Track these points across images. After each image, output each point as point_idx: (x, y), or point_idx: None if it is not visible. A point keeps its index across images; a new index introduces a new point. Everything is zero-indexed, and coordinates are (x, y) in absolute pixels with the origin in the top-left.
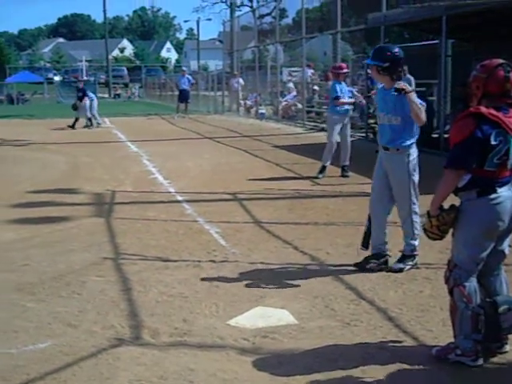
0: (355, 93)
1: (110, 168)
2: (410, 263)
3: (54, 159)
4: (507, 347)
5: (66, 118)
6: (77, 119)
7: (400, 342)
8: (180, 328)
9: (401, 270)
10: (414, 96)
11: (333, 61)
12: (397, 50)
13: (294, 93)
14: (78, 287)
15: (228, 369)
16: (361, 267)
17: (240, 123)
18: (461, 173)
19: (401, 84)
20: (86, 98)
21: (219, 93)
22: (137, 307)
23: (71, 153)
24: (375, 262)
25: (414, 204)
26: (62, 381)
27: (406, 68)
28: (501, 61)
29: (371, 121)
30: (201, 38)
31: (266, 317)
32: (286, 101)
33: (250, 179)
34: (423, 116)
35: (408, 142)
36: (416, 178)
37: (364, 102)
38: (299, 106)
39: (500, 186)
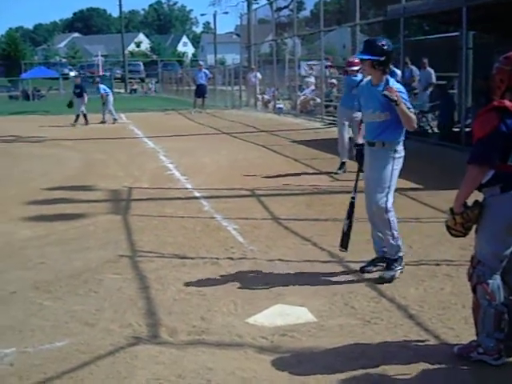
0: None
1: (125, 164)
2: (399, 267)
3: (69, 156)
4: None
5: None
6: (78, 116)
7: (421, 340)
8: (198, 326)
9: (393, 278)
10: (403, 106)
11: (352, 54)
12: (388, 41)
13: (313, 87)
14: (94, 285)
15: (246, 367)
16: (363, 271)
17: (257, 118)
18: (485, 169)
19: (393, 94)
20: (85, 95)
21: (236, 87)
22: (154, 305)
23: (86, 149)
24: (382, 264)
25: (389, 201)
26: (79, 380)
27: (425, 61)
28: None
29: None
30: (218, 32)
31: (285, 315)
32: (304, 95)
33: (268, 175)
34: (414, 123)
35: (395, 137)
36: (396, 177)
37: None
38: (318, 100)
39: None
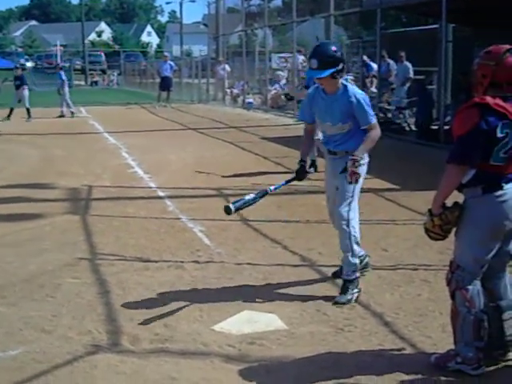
0: (350, 81)
1: (86, 161)
2: (356, 290)
3: (26, 151)
4: (511, 355)
5: (39, 107)
6: (12, 110)
7: (397, 349)
8: (161, 334)
9: (349, 302)
10: (363, 152)
11: None
12: (336, 44)
13: (284, 81)
14: (51, 290)
15: (212, 377)
16: (336, 276)
17: (226, 113)
18: (464, 168)
19: (353, 169)
20: (25, 87)
21: (204, 80)
22: (115, 311)
23: (44, 145)
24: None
25: (351, 211)
26: None
27: (403, 54)
28: (508, 46)
29: None
30: (184, 22)
31: (253, 322)
32: (275, 89)
33: (236, 174)
34: (376, 139)
35: (359, 145)
36: (360, 184)
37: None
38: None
39: (507, 182)
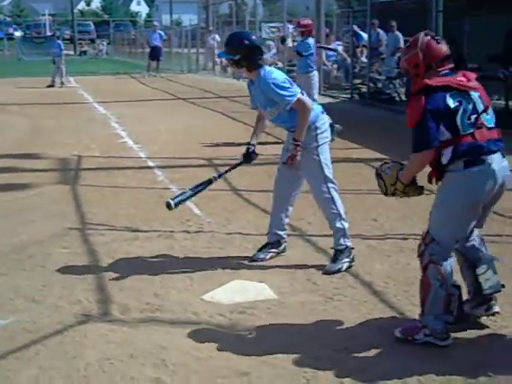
0: (340, 51)
1: (75, 131)
2: (346, 260)
3: (15, 121)
4: (496, 308)
5: (28, 77)
6: None
7: (386, 317)
8: (151, 303)
9: (339, 271)
10: (299, 136)
11: (316, 16)
12: (247, 35)
13: (274, 50)
14: (41, 260)
15: (203, 346)
16: (253, 260)
17: (216, 83)
18: (427, 153)
19: (295, 153)
20: None
21: (193, 50)
22: (105, 281)
23: (33, 115)
24: (274, 251)
25: (329, 182)
26: (26, 360)
27: (394, 24)
28: (423, 32)
29: (357, 81)
30: None
31: (244, 291)
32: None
33: (226, 143)
34: (307, 112)
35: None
36: (326, 155)
37: (349, 60)
38: (279, 64)
39: (488, 154)
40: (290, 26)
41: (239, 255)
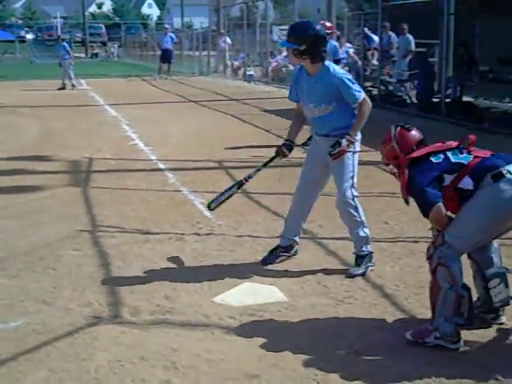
0: (351, 53)
1: (86, 134)
2: (370, 264)
3: (27, 124)
4: (503, 318)
5: (40, 80)
6: None
7: (397, 320)
8: (162, 305)
9: (362, 275)
10: (357, 130)
11: (327, 18)
12: (311, 25)
13: (285, 53)
14: (52, 262)
15: (213, 349)
16: (264, 263)
17: (227, 85)
18: (438, 207)
19: (345, 149)
20: None
21: (204, 53)
22: (116, 283)
23: (45, 117)
24: (286, 255)
25: (354, 187)
26: (36, 362)
27: (405, 27)
28: (392, 126)
29: (368, 84)
30: None
31: (254, 294)
32: (276, 62)
33: (237, 146)
34: (368, 113)
35: (348, 123)
36: (356, 164)
37: (360, 62)
38: (290, 67)
39: (506, 164)
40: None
41: (250, 258)
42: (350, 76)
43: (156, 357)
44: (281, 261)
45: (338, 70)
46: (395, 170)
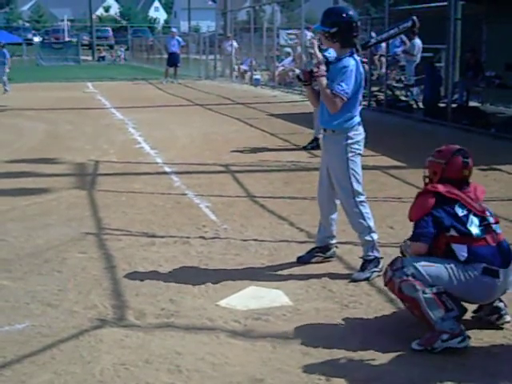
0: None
1: (92, 137)
2: (375, 269)
3: (33, 126)
4: (507, 317)
5: (46, 82)
6: None
7: (402, 326)
8: (167, 309)
9: (366, 280)
10: (323, 80)
11: None
12: (347, 10)
13: (292, 57)
14: (57, 264)
15: (218, 352)
16: (304, 261)
17: (233, 89)
18: (423, 245)
19: (313, 67)
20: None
21: (211, 56)
22: (121, 286)
23: (51, 120)
24: (321, 255)
25: (358, 195)
26: (41, 364)
27: (416, 30)
28: (457, 147)
29: (374, 88)
30: None
31: (259, 297)
32: (282, 66)
33: (243, 150)
34: (334, 106)
35: (345, 124)
36: (356, 167)
37: (366, 67)
38: (297, 71)
39: (500, 266)
40: (308, 33)
41: (255, 262)
42: (353, 73)
43: (160, 360)
44: (316, 261)
45: (352, 62)
46: (427, 176)
